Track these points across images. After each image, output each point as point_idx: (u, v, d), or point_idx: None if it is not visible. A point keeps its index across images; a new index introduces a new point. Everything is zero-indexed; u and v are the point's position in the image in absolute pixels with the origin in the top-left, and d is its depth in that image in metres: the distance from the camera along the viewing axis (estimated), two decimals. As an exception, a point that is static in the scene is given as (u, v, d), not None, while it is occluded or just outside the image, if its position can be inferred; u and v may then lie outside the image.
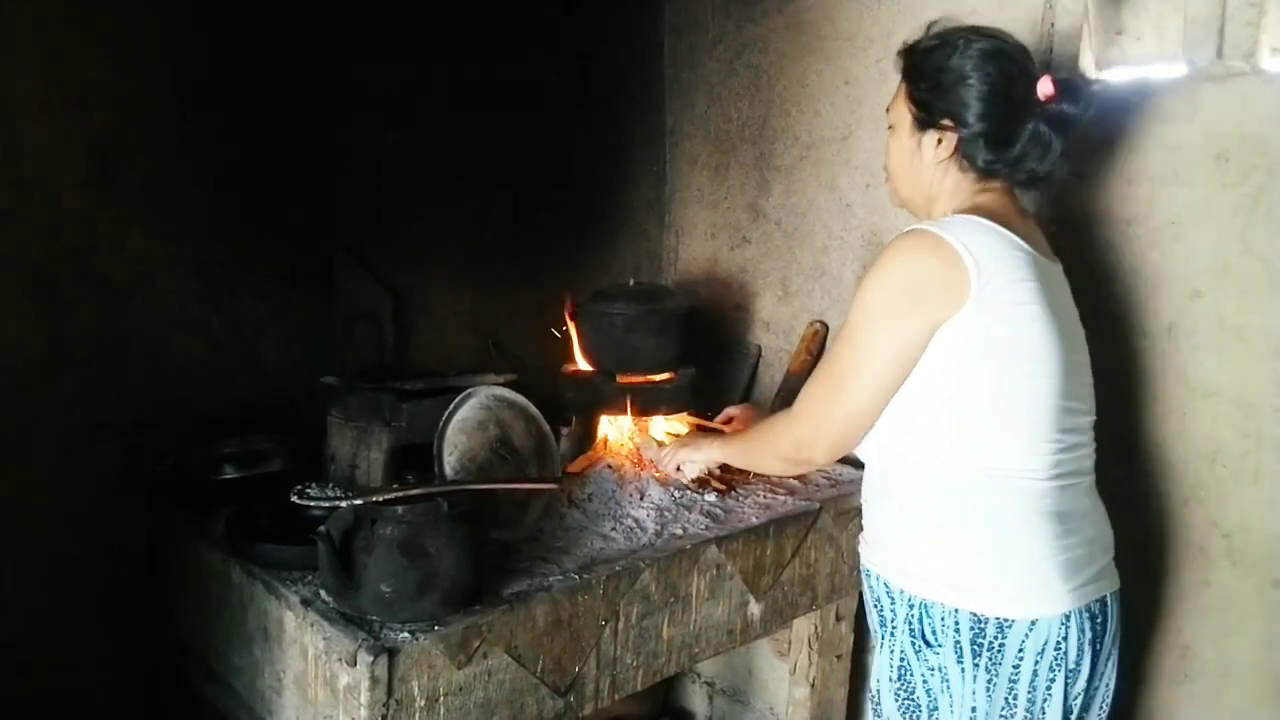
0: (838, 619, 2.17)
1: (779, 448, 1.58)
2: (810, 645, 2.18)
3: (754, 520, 1.91)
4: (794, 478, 2.13)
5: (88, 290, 1.86)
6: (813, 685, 2.19)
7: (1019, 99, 1.43)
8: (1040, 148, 1.44)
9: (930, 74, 1.48)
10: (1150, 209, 1.82)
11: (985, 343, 1.35)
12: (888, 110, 1.59)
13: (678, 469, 1.88)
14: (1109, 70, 1.89)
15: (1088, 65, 1.90)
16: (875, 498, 1.54)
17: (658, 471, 1.97)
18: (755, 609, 1.91)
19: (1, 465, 1.79)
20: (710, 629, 1.84)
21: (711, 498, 1.98)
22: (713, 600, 1.83)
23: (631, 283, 2.24)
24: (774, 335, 2.57)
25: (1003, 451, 1.38)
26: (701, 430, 2.09)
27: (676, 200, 2.81)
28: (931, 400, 1.40)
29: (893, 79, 1.59)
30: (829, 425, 1.47)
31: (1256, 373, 1.71)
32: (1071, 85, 1.44)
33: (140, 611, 1.94)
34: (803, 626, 2.17)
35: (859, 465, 1.62)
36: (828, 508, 2.01)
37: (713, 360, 2.58)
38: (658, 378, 2.18)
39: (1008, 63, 1.44)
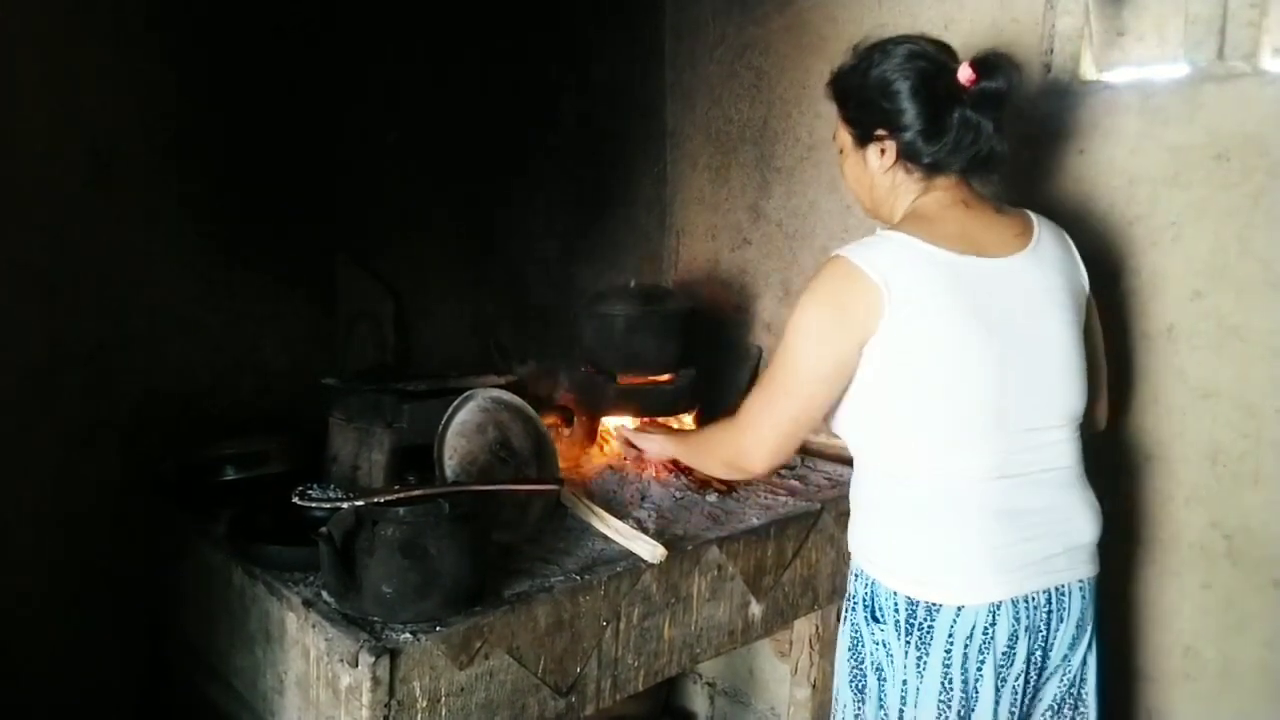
0: (839, 619, 2.16)
1: (723, 454, 1.67)
2: (811, 646, 2.18)
3: (755, 521, 1.91)
4: (795, 479, 2.15)
5: (88, 290, 1.86)
6: (814, 686, 2.19)
7: (942, 90, 1.47)
8: (971, 131, 1.47)
9: (854, 93, 1.55)
10: (1150, 209, 1.82)
11: (901, 355, 1.43)
12: (834, 137, 1.65)
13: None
14: (1110, 71, 1.90)
15: (1088, 66, 1.90)
16: (852, 482, 1.62)
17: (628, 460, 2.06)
18: (756, 609, 1.91)
19: (1, 465, 1.79)
20: (711, 629, 1.84)
21: (712, 498, 1.99)
22: (714, 601, 1.83)
23: (632, 284, 2.24)
24: (774, 336, 2.57)
25: (935, 452, 1.45)
26: (655, 425, 2.13)
27: (677, 201, 2.81)
28: (868, 408, 1.49)
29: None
30: (766, 436, 1.55)
31: (1256, 373, 1.71)
32: (988, 63, 1.46)
33: (141, 612, 1.94)
34: (804, 627, 2.17)
35: None
36: (829, 508, 2.01)
37: (713, 361, 2.58)
38: (658, 379, 2.18)
39: (923, 61, 1.48)
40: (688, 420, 2.26)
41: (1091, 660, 1.56)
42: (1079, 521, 1.53)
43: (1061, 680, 1.55)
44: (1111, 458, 1.89)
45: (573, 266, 2.60)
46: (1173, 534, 1.84)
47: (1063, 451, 1.52)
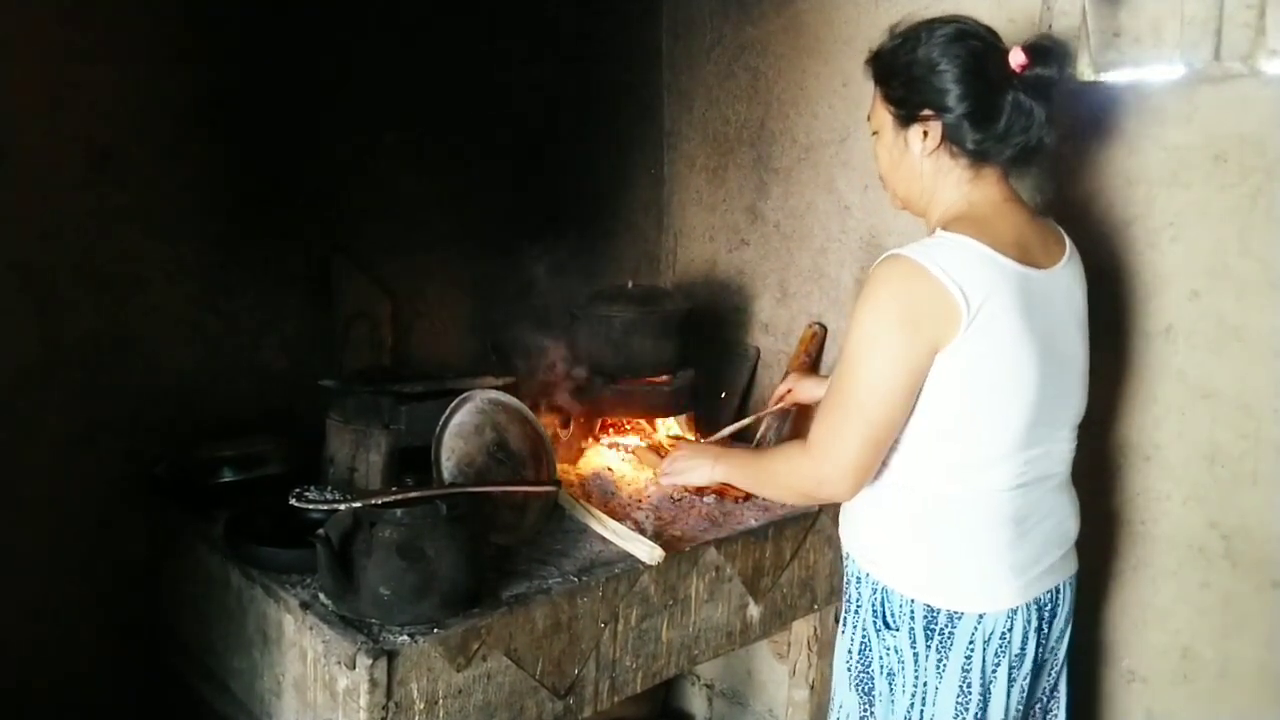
0: (837, 621, 2.16)
1: (799, 485, 1.54)
2: (809, 647, 2.18)
3: (753, 522, 1.91)
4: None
5: (86, 291, 1.86)
6: (812, 687, 2.19)
7: (993, 73, 1.42)
8: (1024, 117, 1.42)
9: (900, 71, 1.48)
10: (1149, 210, 1.82)
11: (970, 374, 1.38)
12: (868, 118, 1.59)
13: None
14: (1107, 72, 1.89)
15: (1085, 67, 1.90)
16: None
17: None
18: (754, 611, 1.91)
19: (-1, 467, 1.79)
20: (709, 631, 1.83)
21: (710, 500, 1.98)
22: (712, 602, 1.82)
23: (630, 285, 2.23)
24: (772, 337, 2.57)
25: (970, 467, 1.43)
26: (702, 442, 2.08)
27: (675, 202, 2.81)
28: (913, 420, 1.43)
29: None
30: (849, 458, 1.42)
31: (1255, 374, 1.71)
32: (1041, 49, 1.42)
33: (139, 614, 1.94)
34: (802, 628, 2.17)
35: None
36: (826, 509, 2.00)
37: (711, 362, 2.57)
38: (656, 380, 2.18)
39: (973, 41, 1.43)
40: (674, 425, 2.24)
41: (1069, 647, 1.61)
42: (1071, 523, 1.57)
43: (1050, 671, 1.59)
44: (1110, 457, 1.89)
45: (570, 267, 2.60)
46: (1171, 534, 1.84)
47: (1063, 458, 1.54)
